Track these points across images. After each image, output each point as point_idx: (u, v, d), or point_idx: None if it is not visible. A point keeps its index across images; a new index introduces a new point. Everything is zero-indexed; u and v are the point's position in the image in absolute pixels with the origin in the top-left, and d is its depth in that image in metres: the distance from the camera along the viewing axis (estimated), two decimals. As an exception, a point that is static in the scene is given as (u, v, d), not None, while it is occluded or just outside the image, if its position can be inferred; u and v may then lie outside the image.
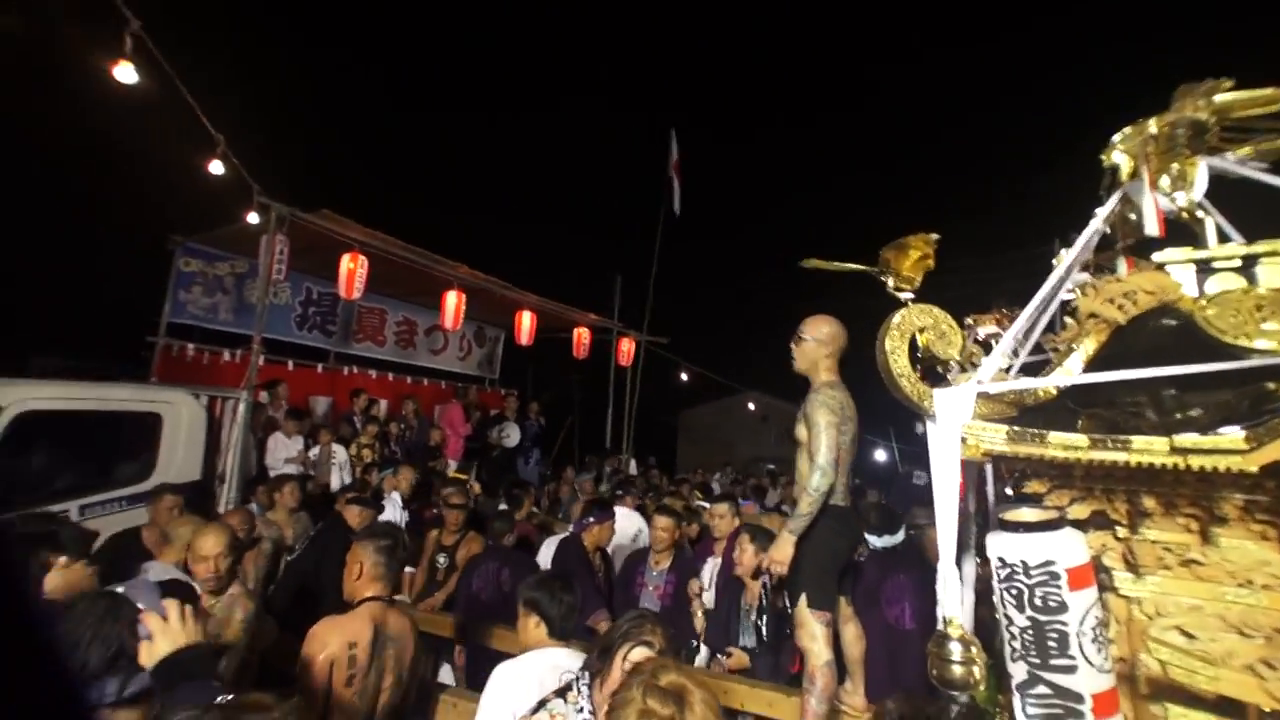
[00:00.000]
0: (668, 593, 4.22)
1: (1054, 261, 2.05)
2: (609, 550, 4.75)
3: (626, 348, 11.26)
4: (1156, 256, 1.96)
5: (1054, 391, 1.86)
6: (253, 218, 5.97)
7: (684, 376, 14.43)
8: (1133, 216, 2.03)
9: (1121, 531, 1.87)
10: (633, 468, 11.42)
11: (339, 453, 6.97)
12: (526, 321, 9.29)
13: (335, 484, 6.67)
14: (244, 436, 5.61)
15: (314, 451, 6.73)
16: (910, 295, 1.89)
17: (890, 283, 1.91)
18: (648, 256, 11.50)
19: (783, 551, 2.57)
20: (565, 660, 2.18)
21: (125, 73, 4.56)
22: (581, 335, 10.45)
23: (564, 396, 14.13)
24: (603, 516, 4.75)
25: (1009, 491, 2.80)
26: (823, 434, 2.54)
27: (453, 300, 8.02)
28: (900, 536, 3.41)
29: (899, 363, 1.74)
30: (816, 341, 2.80)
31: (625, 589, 4.41)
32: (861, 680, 2.97)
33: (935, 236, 1.95)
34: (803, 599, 2.54)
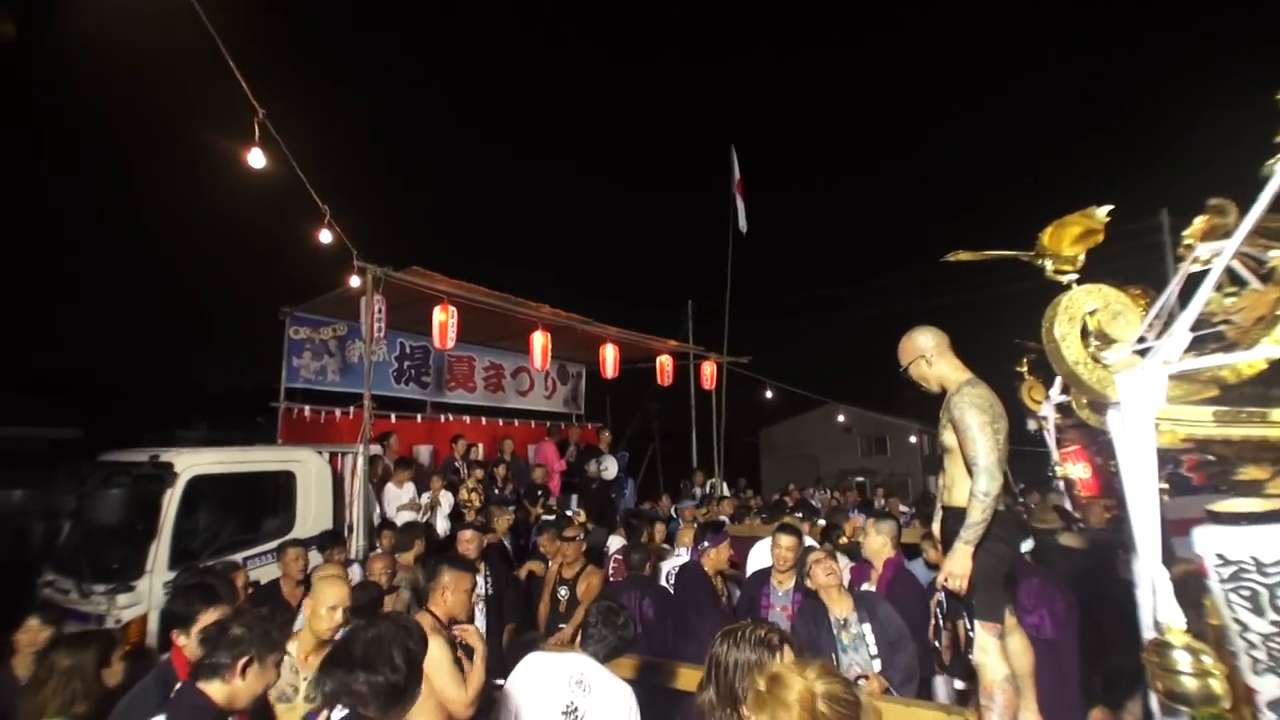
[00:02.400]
0: (795, 612, 4.08)
1: (1164, 236, 1.87)
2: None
3: (709, 371, 11.23)
4: None
5: (1260, 365, 1.67)
6: (354, 280, 6.30)
7: (769, 394, 14.20)
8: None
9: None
10: (724, 490, 11.28)
11: (445, 498, 7.17)
12: (610, 354, 9.39)
13: (442, 530, 6.85)
14: (364, 487, 5.88)
15: (425, 497, 6.95)
16: (1074, 276, 1.75)
17: (1049, 266, 1.78)
18: (720, 278, 11.47)
19: (962, 565, 2.41)
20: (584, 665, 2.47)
21: (256, 158, 4.94)
22: (664, 364, 10.48)
23: (644, 426, 14.17)
24: (717, 540, 4.68)
25: (1193, 480, 2.55)
26: (978, 435, 2.38)
27: (539, 340, 8.19)
28: (1031, 542, 3.16)
29: (1073, 349, 1.61)
30: (922, 359, 2.68)
31: (750, 611, 4.29)
32: (1033, 695, 2.75)
33: (1107, 209, 1.80)
34: (975, 619, 2.37)
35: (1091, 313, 1.66)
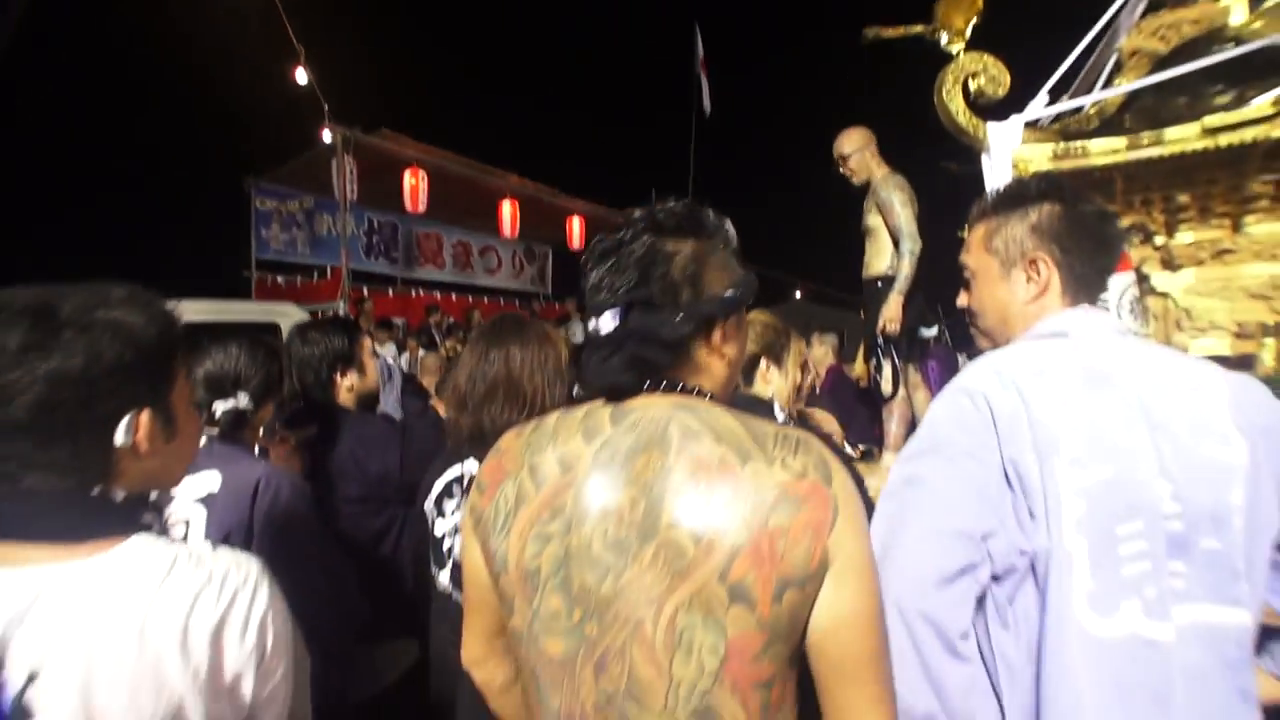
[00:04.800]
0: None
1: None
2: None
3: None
4: None
5: (1095, 121, 2.13)
6: (326, 136, 6.39)
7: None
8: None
9: (1160, 239, 2.17)
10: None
11: (428, 360, 7.59)
12: (577, 227, 9.65)
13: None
14: (347, 340, 6.25)
15: (404, 358, 7.36)
16: (961, 47, 2.15)
17: (943, 39, 2.17)
18: (684, 158, 11.59)
19: (895, 310, 2.98)
20: None
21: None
22: (629, 238, 10.79)
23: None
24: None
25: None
26: (901, 210, 2.92)
27: (508, 209, 8.41)
28: (935, 330, 3.71)
29: (955, 102, 2.04)
30: (856, 150, 3.11)
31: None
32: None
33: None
34: (830, 340, 2.97)
35: (974, 75, 2.09)
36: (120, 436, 0.74)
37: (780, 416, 1.70)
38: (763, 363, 1.72)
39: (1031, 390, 0.93)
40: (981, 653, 0.96)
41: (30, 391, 0.68)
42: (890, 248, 3.01)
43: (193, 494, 1.30)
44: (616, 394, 0.82)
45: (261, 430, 1.54)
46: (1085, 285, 1.05)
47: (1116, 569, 0.88)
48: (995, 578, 0.93)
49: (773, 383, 1.73)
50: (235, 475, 1.32)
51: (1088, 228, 1.03)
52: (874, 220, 3.06)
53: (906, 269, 2.91)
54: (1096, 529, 0.88)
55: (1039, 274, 1.05)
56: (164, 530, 0.80)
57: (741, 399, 1.64)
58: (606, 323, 0.79)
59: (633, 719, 0.74)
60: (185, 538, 1.29)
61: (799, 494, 0.72)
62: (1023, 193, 1.08)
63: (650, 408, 0.80)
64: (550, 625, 0.77)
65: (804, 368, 1.86)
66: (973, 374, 1.00)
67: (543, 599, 0.78)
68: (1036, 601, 0.91)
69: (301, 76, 5.86)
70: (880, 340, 3.04)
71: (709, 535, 0.71)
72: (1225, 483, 0.88)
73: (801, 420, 1.83)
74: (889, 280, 3.00)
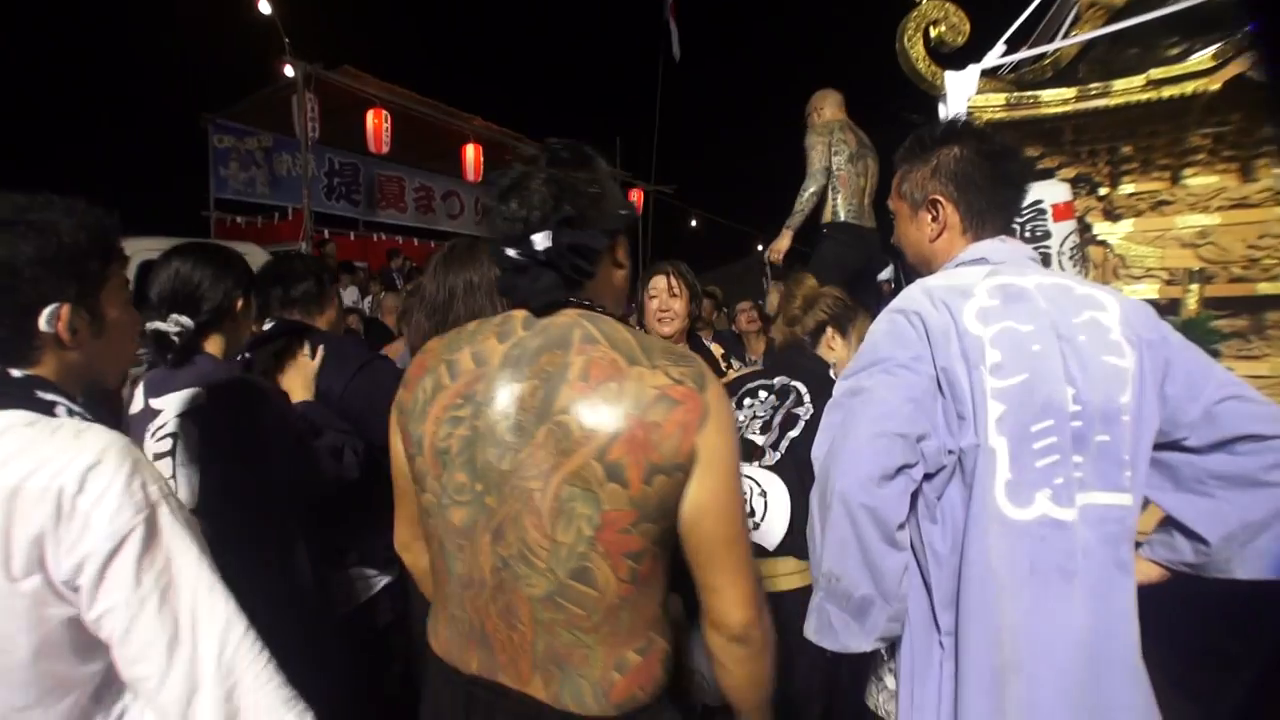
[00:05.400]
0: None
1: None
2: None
3: (635, 199, 11.44)
4: None
5: (1049, 72, 2.19)
6: (288, 70, 6.14)
7: (694, 223, 14.66)
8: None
9: (1103, 190, 2.27)
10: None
11: (388, 300, 7.52)
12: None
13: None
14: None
15: (367, 301, 7.27)
16: (926, -6, 2.19)
17: (911, -11, 2.20)
18: (650, 105, 11.40)
19: (780, 243, 3.21)
20: None
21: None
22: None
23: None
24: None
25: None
26: (810, 151, 3.09)
27: (471, 153, 8.24)
28: (890, 271, 3.86)
29: (916, 48, 2.08)
30: (808, 114, 3.31)
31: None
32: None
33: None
34: (779, 285, 3.11)
35: (934, 24, 2.13)
36: (42, 324, 0.83)
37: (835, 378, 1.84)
38: (829, 330, 1.86)
39: (958, 308, 1.04)
40: (912, 545, 1.08)
41: None
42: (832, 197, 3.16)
43: (175, 408, 1.37)
44: (548, 310, 0.89)
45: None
46: (988, 219, 1.15)
47: (1031, 462, 0.99)
48: (927, 476, 1.05)
49: (836, 350, 1.86)
50: (214, 387, 1.37)
51: (984, 166, 1.13)
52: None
53: (798, 205, 3.11)
54: (1014, 427, 1.00)
55: (938, 212, 1.17)
56: (79, 415, 0.84)
57: (808, 356, 1.84)
58: (541, 241, 0.84)
59: (522, 578, 0.84)
60: (173, 451, 1.36)
61: (675, 396, 0.81)
62: (926, 139, 1.18)
63: (559, 317, 0.89)
64: (456, 497, 0.87)
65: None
66: (907, 296, 1.11)
67: (450, 474, 0.87)
68: (962, 495, 1.03)
69: (265, 6, 5.58)
70: (767, 268, 3.25)
71: (593, 421, 0.80)
72: (1117, 386, 1.00)
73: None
74: (833, 226, 3.15)
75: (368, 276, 8.32)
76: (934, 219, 1.17)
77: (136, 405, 1.45)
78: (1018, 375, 1.00)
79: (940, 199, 1.15)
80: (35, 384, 0.83)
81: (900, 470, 1.00)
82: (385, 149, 7.17)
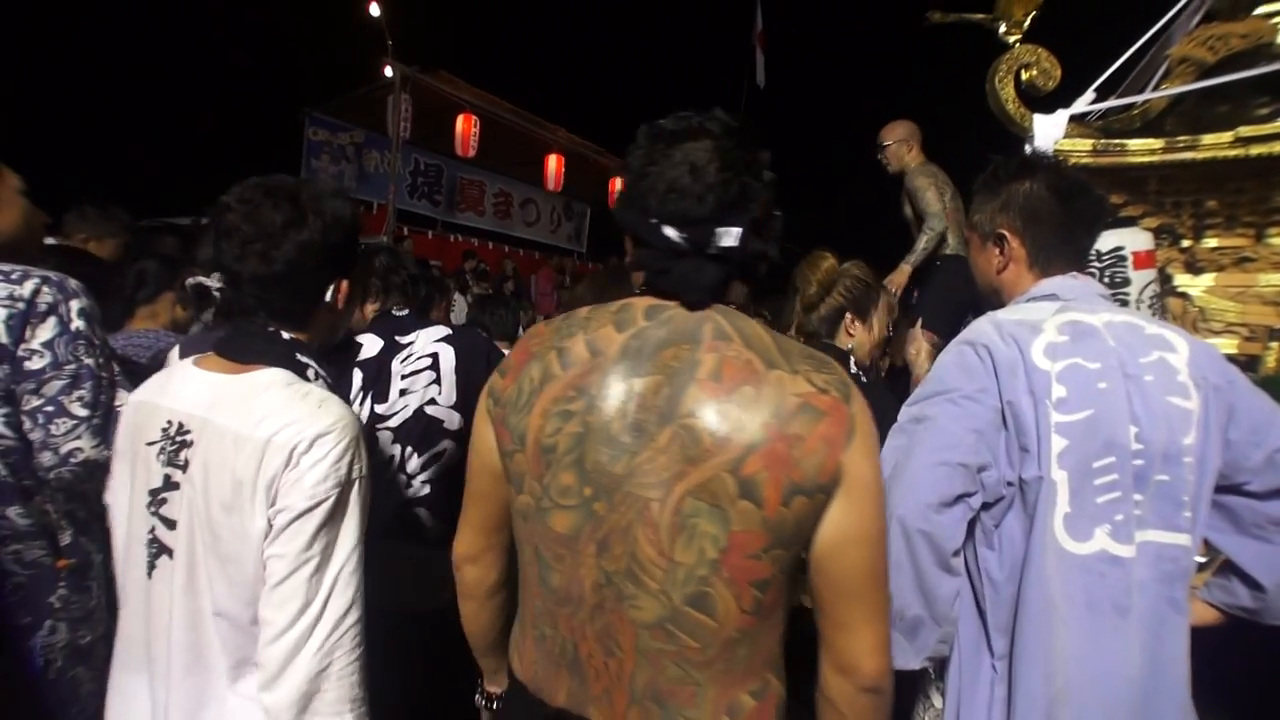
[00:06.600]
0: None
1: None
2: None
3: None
4: (1260, 10, 2.21)
5: (1137, 122, 2.22)
6: (388, 71, 6.54)
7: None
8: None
9: (1186, 242, 2.27)
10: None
11: (459, 302, 7.82)
12: (619, 186, 9.71)
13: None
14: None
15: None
16: (1018, 39, 2.25)
17: (1001, 29, 2.27)
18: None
19: (899, 275, 3.20)
20: None
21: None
22: (668, 205, 10.86)
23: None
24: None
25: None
26: (925, 192, 3.12)
27: (553, 163, 8.53)
28: None
29: (1006, 91, 2.15)
30: (897, 142, 3.30)
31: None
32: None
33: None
34: (920, 321, 3.10)
35: (1026, 67, 2.19)
36: (328, 296, 1.03)
37: (853, 370, 1.74)
38: (847, 315, 1.78)
39: (1027, 342, 1.08)
40: (969, 570, 1.12)
41: (285, 256, 0.95)
42: None
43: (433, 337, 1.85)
44: (698, 305, 0.81)
45: None
46: (1055, 256, 1.18)
47: (1092, 497, 1.03)
48: (985, 505, 1.08)
49: (856, 335, 1.78)
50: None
51: (1053, 203, 1.16)
52: (907, 210, 3.28)
53: (922, 244, 3.13)
54: (1077, 462, 1.03)
55: (1004, 246, 1.20)
56: (319, 368, 1.03)
57: (822, 348, 1.69)
58: (727, 238, 0.78)
59: (628, 598, 0.75)
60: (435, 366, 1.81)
61: (820, 406, 0.73)
62: (1000, 173, 1.22)
63: (683, 309, 0.81)
64: (559, 501, 0.78)
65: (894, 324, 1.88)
66: (977, 329, 1.15)
67: (554, 475, 0.78)
68: (1023, 525, 1.06)
69: (375, 8, 6.00)
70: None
71: (726, 429, 0.72)
72: (1181, 427, 1.04)
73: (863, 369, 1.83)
74: (946, 259, 3.20)
75: (442, 276, 8.67)
76: (1000, 252, 1.22)
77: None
78: (1082, 411, 1.03)
79: (1006, 233, 1.19)
80: (298, 347, 1.01)
81: (959, 499, 1.04)
82: (472, 153, 7.51)
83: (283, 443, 0.89)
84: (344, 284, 1.04)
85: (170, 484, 0.93)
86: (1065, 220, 1.16)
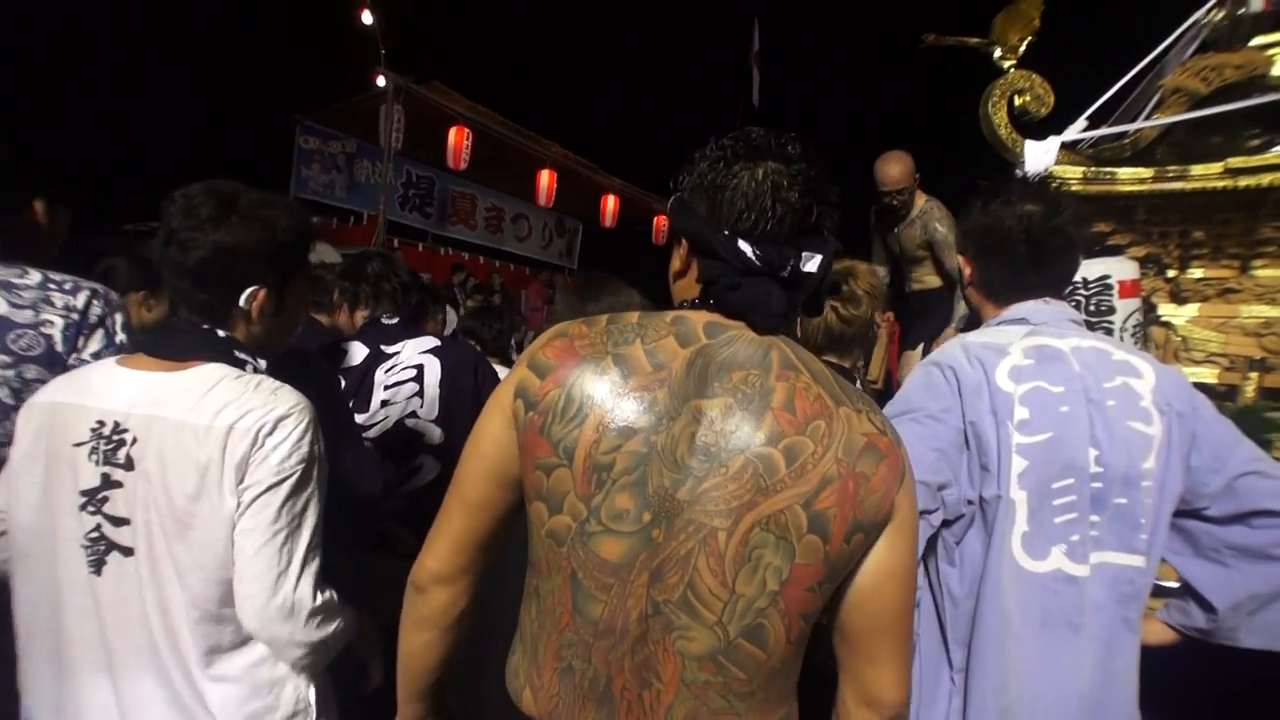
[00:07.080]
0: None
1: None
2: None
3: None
4: (1255, 41, 2.23)
5: (1128, 151, 2.24)
6: (380, 81, 6.54)
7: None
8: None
9: (1171, 272, 2.28)
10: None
11: (450, 315, 7.77)
12: (611, 206, 9.78)
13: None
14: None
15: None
16: (1012, 64, 2.26)
17: (996, 54, 2.29)
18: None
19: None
20: None
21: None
22: (661, 223, 10.90)
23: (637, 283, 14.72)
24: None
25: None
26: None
27: (545, 179, 8.54)
28: None
29: (999, 116, 2.16)
30: (914, 183, 3.22)
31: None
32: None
33: (1041, -1, 2.28)
34: (921, 347, 3.08)
35: (1019, 93, 2.20)
36: (241, 300, 1.03)
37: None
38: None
39: (993, 364, 1.11)
40: (931, 585, 1.15)
41: (201, 249, 0.97)
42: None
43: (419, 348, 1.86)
44: (765, 328, 0.79)
45: None
46: (1006, 288, 1.21)
47: (1050, 517, 1.05)
48: (947, 523, 1.11)
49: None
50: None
51: (1008, 236, 1.17)
52: (921, 251, 3.25)
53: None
54: (1036, 483, 1.06)
55: (965, 274, 1.28)
56: (262, 374, 1.04)
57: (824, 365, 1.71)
58: (810, 264, 0.76)
59: (678, 629, 0.72)
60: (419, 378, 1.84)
61: (881, 448, 0.74)
62: (977, 201, 1.26)
63: (746, 331, 0.78)
64: (612, 525, 0.73)
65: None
66: (945, 350, 1.19)
67: (608, 496, 0.73)
68: (983, 542, 1.09)
69: (368, 17, 6.01)
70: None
71: (803, 460, 0.71)
72: (1140, 452, 1.06)
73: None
74: (941, 292, 3.22)
75: (434, 288, 8.63)
76: (964, 278, 1.29)
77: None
78: (1043, 433, 1.06)
79: (963, 261, 1.27)
80: (233, 344, 1.03)
81: (921, 515, 1.04)
82: (464, 165, 7.50)
83: (246, 428, 0.93)
84: (261, 293, 1.04)
85: (111, 482, 0.94)
86: (1021, 253, 1.18)
